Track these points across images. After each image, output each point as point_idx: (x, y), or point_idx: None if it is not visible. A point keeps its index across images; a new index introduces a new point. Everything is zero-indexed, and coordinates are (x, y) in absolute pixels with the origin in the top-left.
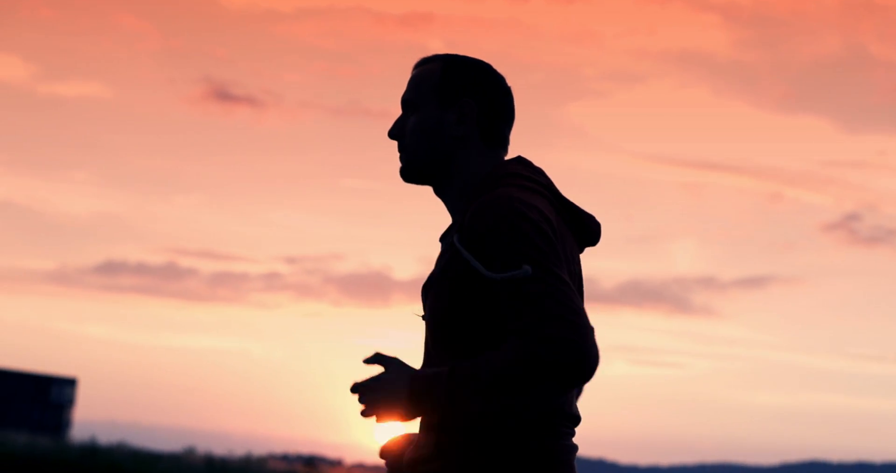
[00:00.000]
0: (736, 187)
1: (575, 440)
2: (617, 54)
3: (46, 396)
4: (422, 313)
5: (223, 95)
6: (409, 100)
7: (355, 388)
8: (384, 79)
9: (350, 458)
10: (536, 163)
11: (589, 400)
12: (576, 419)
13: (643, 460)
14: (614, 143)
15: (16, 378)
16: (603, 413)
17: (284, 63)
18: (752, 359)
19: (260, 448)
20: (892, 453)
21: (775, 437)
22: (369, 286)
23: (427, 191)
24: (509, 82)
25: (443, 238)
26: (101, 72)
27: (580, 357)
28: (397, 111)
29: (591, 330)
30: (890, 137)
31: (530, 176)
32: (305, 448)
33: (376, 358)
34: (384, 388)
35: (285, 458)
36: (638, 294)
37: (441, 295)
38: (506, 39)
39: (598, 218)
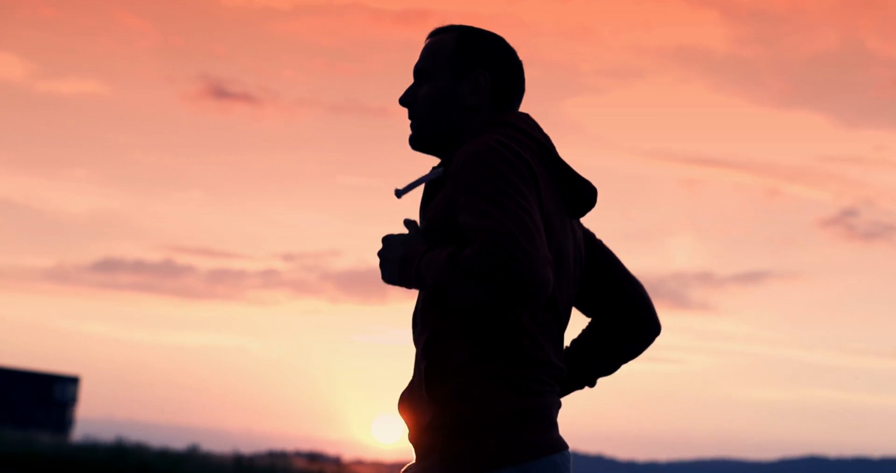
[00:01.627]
0: (733, 182)
1: (570, 434)
2: (614, 50)
3: (49, 394)
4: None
5: (221, 92)
6: (423, 68)
7: (385, 238)
8: (382, 76)
9: (348, 454)
10: None
11: (586, 396)
12: (558, 369)
13: (641, 456)
14: (612, 139)
15: (18, 377)
16: (601, 409)
17: (282, 60)
18: (751, 355)
19: (258, 446)
20: (890, 448)
21: (774, 433)
22: (367, 283)
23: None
24: None
25: None
26: (100, 70)
27: (518, 275)
28: (396, 108)
29: (540, 258)
30: (888, 133)
31: (525, 129)
32: (304, 445)
33: (411, 224)
34: (391, 248)
35: (283, 455)
36: None
37: (432, 217)
38: (502, 35)
39: (596, 214)
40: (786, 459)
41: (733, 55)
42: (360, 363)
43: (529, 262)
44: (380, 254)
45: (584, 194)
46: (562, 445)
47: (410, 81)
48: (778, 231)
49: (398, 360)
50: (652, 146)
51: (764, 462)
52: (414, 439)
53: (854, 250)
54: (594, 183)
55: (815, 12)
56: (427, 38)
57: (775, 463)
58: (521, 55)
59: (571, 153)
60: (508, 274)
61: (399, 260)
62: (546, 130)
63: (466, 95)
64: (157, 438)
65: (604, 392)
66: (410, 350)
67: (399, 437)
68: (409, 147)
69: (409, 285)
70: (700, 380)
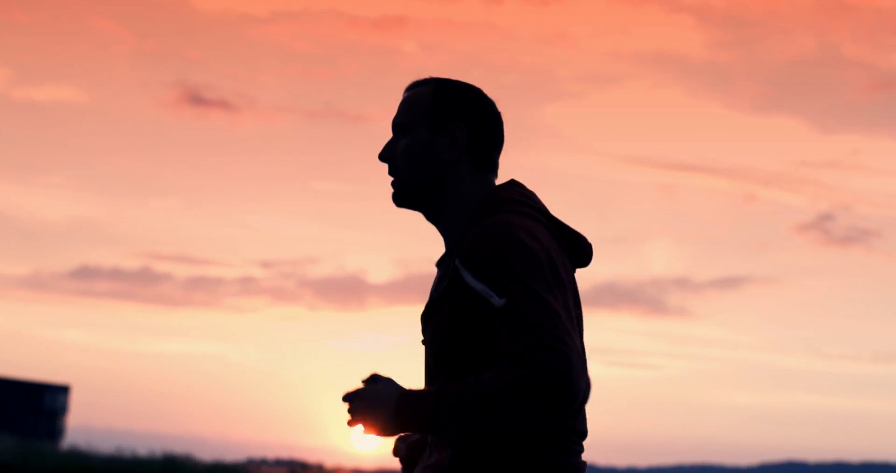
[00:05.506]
0: (710, 187)
1: None
2: (591, 56)
3: (40, 403)
4: (422, 339)
5: (197, 98)
6: (400, 123)
7: (347, 397)
8: (358, 82)
9: (329, 462)
10: (512, 165)
11: None
12: (584, 434)
13: (621, 461)
14: (589, 144)
15: (8, 386)
16: None
17: (258, 66)
18: (728, 360)
19: (237, 453)
20: (869, 452)
21: (752, 437)
22: (345, 290)
23: None
24: (483, 84)
25: (439, 264)
26: (76, 76)
27: (567, 387)
28: (373, 114)
29: (580, 362)
30: (864, 137)
31: (527, 202)
32: (284, 453)
33: (373, 379)
34: (372, 400)
35: (264, 462)
36: (613, 296)
37: (441, 320)
38: (480, 42)
39: (573, 219)
40: (765, 464)
41: (709, 60)
42: (339, 370)
43: (570, 370)
44: (353, 410)
45: (584, 251)
46: None
47: (385, 87)
48: (755, 236)
49: (376, 366)
50: (629, 151)
51: (743, 468)
52: None
53: (831, 254)
54: (571, 188)
55: (791, 16)
56: (405, 92)
57: (755, 468)
58: (498, 60)
59: (549, 158)
60: (553, 386)
61: (392, 408)
62: (524, 136)
63: (444, 149)
64: (140, 447)
65: None
66: (387, 355)
67: (378, 444)
68: None
69: (417, 428)
70: (678, 385)
